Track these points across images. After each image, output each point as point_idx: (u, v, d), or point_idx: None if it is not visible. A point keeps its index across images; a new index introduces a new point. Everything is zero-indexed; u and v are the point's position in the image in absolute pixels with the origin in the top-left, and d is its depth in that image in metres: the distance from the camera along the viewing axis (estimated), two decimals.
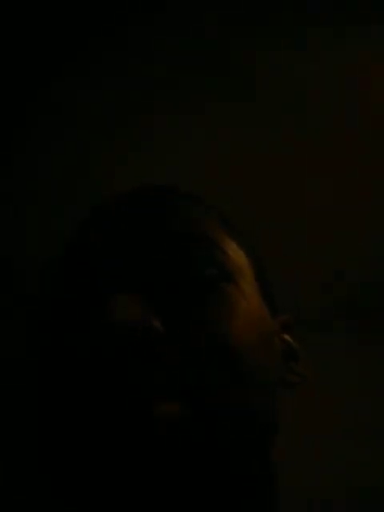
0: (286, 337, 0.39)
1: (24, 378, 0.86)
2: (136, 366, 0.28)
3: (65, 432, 0.30)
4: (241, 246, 0.36)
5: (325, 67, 0.73)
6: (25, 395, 0.89)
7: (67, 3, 0.67)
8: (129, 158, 0.84)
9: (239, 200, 0.91)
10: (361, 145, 0.82)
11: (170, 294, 0.31)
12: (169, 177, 0.90)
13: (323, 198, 0.89)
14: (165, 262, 0.32)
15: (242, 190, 0.91)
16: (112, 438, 0.28)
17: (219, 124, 0.79)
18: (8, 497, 0.77)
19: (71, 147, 0.83)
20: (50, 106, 0.77)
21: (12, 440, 0.85)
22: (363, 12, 0.71)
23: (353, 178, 0.86)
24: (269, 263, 0.40)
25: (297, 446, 0.70)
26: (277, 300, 0.39)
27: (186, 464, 0.28)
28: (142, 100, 0.77)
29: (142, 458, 0.27)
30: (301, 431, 0.72)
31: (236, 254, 0.35)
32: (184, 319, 0.30)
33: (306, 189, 0.88)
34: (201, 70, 0.74)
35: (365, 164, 0.85)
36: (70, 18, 0.68)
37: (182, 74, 0.74)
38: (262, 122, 0.79)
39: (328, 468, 0.76)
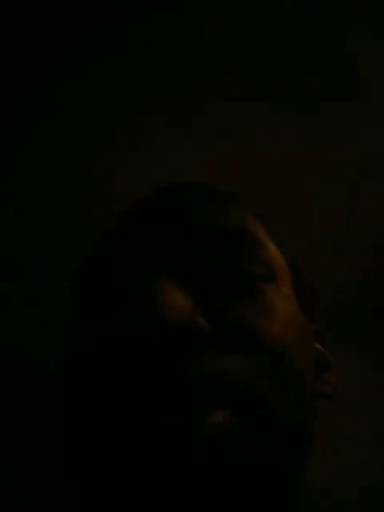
0: (319, 346, 0.38)
1: (24, 376, 0.86)
2: (180, 365, 0.27)
3: (96, 430, 0.28)
4: (279, 248, 0.36)
5: (325, 67, 0.73)
6: (24, 393, 0.88)
7: (67, 3, 0.67)
8: (129, 158, 0.84)
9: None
10: (360, 144, 0.82)
11: (215, 289, 0.30)
12: (169, 177, 0.90)
13: (324, 198, 0.89)
14: (210, 257, 0.31)
15: (242, 190, 0.91)
16: (151, 440, 0.26)
17: (219, 124, 0.79)
18: (8, 497, 0.77)
19: (71, 147, 0.83)
20: (49, 106, 0.77)
21: (12, 439, 0.85)
22: (363, 12, 0.71)
23: (353, 178, 0.86)
24: None
25: None
26: None
27: (230, 473, 0.26)
28: (142, 100, 0.77)
29: (186, 466, 0.26)
30: None
31: (277, 255, 0.34)
32: (226, 318, 0.29)
33: (306, 189, 0.88)
34: (201, 69, 0.74)
35: (365, 164, 0.85)
36: (70, 18, 0.68)
37: (182, 74, 0.74)
38: (261, 121, 0.79)
39: (325, 469, 0.76)
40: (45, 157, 0.84)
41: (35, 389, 0.95)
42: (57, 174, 0.88)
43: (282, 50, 0.72)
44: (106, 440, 0.27)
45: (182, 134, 0.80)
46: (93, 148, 0.84)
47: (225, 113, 0.78)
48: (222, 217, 0.33)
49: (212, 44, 0.73)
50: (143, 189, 0.91)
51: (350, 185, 0.86)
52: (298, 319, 0.33)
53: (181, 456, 0.25)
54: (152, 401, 0.26)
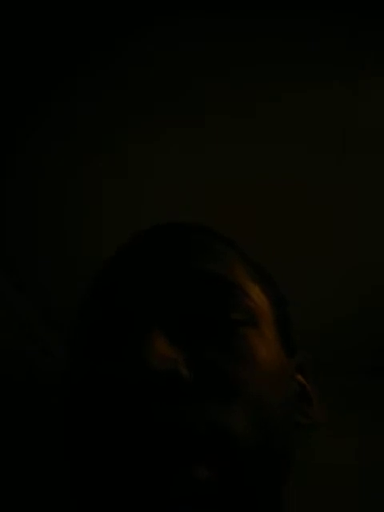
0: (300, 378, 0.39)
1: (23, 376, 0.87)
2: (161, 412, 0.28)
3: (88, 467, 0.29)
4: (263, 289, 0.36)
5: (328, 81, 0.73)
6: (24, 398, 0.89)
7: (70, 6, 0.67)
8: (129, 161, 0.85)
9: (240, 210, 0.91)
10: (364, 150, 0.82)
11: (199, 337, 0.31)
12: (169, 178, 0.90)
13: (324, 209, 0.89)
14: (193, 303, 0.32)
15: (241, 198, 0.91)
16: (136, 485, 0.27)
17: (219, 133, 0.80)
18: (8, 497, 0.78)
19: (71, 149, 0.83)
20: (50, 109, 0.77)
21: (11, 439, 0.86)
22: (365, 18, 0.70)
23: (355, 190, 0.86)
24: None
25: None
26: None
27: None
28: (142, 103, 0.77)
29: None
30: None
31: (259, 298, 0.35)
32: (209, 365, 0.30)
33: (306, 201, 0.88)
34: (201, 74, 0.74)
35: (368, 176, 0.85)
36: (72, 21, 0.68)
37: (182, 79, 0.74)
38: (261, 135, 0.80)
39: None
40: (45, 157, 0.85)
41: (35, 388, 0.96)
42: (57, 174, 0.88)
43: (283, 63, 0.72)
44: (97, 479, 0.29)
45: (183, 135, 0.81)
46: (93, 148, 0.84)
47: (225, 123, 0.78)
48: (208, 264, 0.34)
49: (211, 47, 0.72)
50: (142, 191, 0.91)
51: (352, 200, 0.87)
52: (279, 360, 0.34)
53: (165, 507, 0.26)
54: (134, 448, 0.27)
